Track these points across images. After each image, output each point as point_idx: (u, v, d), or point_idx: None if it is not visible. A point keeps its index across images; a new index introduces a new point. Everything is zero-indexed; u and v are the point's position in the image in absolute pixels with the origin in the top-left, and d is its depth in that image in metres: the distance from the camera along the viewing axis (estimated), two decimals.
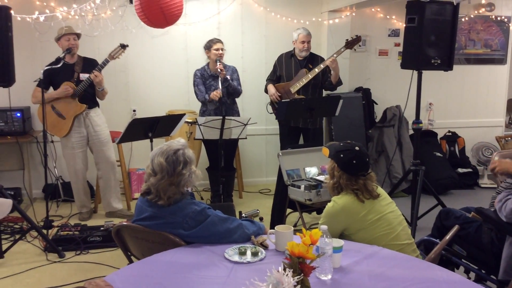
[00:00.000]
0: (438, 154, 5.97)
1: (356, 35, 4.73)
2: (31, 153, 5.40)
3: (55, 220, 4.70)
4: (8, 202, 1.62)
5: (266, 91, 5.20)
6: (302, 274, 1.76)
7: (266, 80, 5.25)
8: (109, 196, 4.82)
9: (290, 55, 5.09)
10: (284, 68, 5.08)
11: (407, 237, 2.58)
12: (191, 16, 5.56)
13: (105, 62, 4.49)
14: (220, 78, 4.64)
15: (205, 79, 4.91)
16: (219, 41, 4.86)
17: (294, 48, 5.06)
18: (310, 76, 4.82)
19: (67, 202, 5.27)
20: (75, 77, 4.53)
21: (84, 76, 4.52)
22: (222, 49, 4.80)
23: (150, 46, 5.58)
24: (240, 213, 4.69)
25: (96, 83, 4.49)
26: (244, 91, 5.74)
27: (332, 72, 4.82)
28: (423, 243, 3.11)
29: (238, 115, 5.04)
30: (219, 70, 4.63)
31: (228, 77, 4.82)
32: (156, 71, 5.65)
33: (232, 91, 4.86)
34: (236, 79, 4.96)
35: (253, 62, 5.84)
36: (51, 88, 4.61)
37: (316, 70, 4.82)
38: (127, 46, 4.56)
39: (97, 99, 4.74)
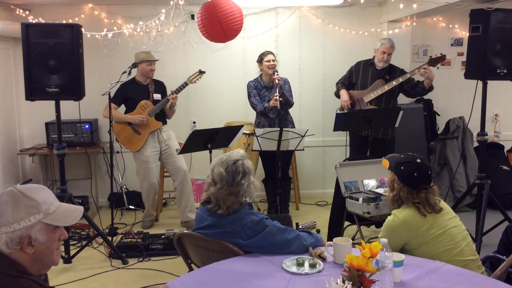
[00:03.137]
0: (505, 167, 5.69)
1: (441, 54, 4.54)
2: (98, 163, 5.68)
3: (119, 227, 4.91)
4: (80, 209, 1.72)
5: (336, 95, 5.11)
6: (362, 287, 1.74)
7: (337, 83, 5.13)
8: (184, 206, 4.95)
9: (369, 63, 4.97)
10: (361, 76, 4.97)
11: (471, 253, 2.48)
12: (249, 30, 5.66)
13: (184, 85, 4.82)
14: (277, 89, 4.69)
15: (258, 90, 4.99)
16: (269, 52, 4.93)
17: (374, 57, 4.94)
18: (387, 88, 4.69)
19: (130, 210, 5.48)
20: (151, 97, 4.84)
21: (157, 96, 4.86)
22: (273, 60, 4.87)
23: (210, 60, 5.73)
24: (297, 224, 4.70)
25: (171, 104, 4.80)
26: (301, 102, 5.77)
27: (425, 80, 4.68)
28: (489, 259, 2.97)
29: (293, 125, 5.06)
30: (276, 80, 4.68)
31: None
32: (215, 84, 5.79)
33: (285, 102, 4.88)
34: (288, 91, 4.97)
35: (311, 74, 5.85)
36: (122, 106, 4.93)
37: (394, 82, 4.68)
38: (204, 72, 4.86)
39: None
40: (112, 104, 4.70)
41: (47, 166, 5.52)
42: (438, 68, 4.67)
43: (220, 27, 3.70)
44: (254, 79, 5.05)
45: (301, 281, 2.09)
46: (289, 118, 5.07)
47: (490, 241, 4.07)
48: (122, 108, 4.92)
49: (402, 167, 2.59)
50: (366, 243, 1.92)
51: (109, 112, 4.53)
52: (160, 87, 4.97)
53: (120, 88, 4.80)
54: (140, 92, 4.84)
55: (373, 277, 1.80)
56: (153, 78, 4.95)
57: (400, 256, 2.10)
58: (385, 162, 2.73)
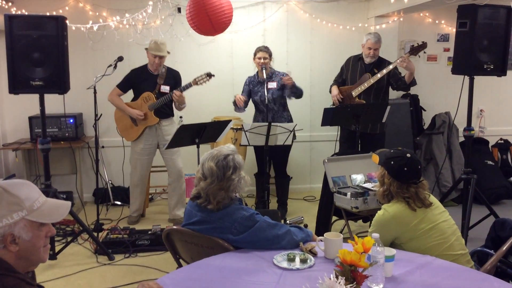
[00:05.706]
0: (490, 162, 5.77)
1: (423, 42, 4.55)
2: (83, 158, 5.59)
3: (105, 223, 4.84)
4: (67, 204, 1.67)
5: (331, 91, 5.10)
6: (355, 282, 1.74)
7: (333, 81, 5.12)
8: (174, 203, 4.92)
9: (357, 59, 4.95)
10: (350, 71, 4.97)
11: (461, 247, 2.50)
12: (237, 24, 5.60)
13: (188, 86, 4.61)
14: (265, 85, 4.65)
15: (253, 85, 4.96)
16: (262, 49, 4.82)
17: (362, 52, 4.94)
18: (372, 81, 4.70)
19: (116, 206, 5.41)
20: (157, 89, 4.68)
21: (165, 88, 4.68)
22: (264, 58, 4.75)
23: (197, 54, 5.68)
24: (285, 219, 4.69)
25: (177, 102, 4.63)
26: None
27: (406, 72, 4.68)
28: (476, 254, 3.00)
29: (288, 122, 5.02)
30: (265, 77, 4.64)
31: (274, 84, 4.82)
32: None
33: (300, 94, 4.83)
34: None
35: (298, 69, 5.82)
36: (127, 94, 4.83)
37: (379, 75, 4.68)
38: (213, 75, 4.60)
39: (173, 109, 4.90)
40: (117, 90, 4.65)
41: (30, 161, 5.42)
42: (419, 56, 4.69)
43: (209, 19, 3.67)
44: (254, 74, 5.00)
45: (292, 276, 2.08)
46: (285, 115, 4.98)
47: (476, 235, 4.12)
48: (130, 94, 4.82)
49: (392, 162, 2.59)
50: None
51: (94, 104, 4.44)
52: (172, 77, 4.77)
53: (129, 74, 4.70)
54: (148, 82, 4.68)
55: (365, 272, 1.80)
56: (169, 67, 4.80)
57: (391, 251, 2.10)
58: (375, 157, 2.73)
